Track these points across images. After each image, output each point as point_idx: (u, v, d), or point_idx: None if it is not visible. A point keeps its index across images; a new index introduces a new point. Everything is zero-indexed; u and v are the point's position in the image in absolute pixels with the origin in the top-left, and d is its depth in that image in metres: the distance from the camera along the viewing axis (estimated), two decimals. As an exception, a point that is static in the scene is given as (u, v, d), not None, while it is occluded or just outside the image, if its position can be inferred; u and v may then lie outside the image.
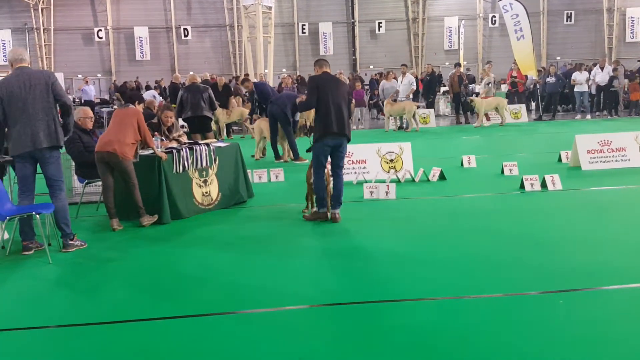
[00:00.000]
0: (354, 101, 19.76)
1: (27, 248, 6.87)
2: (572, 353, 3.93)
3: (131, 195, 7.84)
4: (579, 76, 22.15)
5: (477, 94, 22.01)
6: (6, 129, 6.69)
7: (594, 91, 22.68)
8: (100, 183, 8.21)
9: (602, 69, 22.62)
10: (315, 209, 8.05)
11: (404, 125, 20.25)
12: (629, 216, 7.62)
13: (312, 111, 8.19)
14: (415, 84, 20.79)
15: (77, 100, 26.50)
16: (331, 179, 7.91)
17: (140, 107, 8.39)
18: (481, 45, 39.05)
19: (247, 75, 28.73)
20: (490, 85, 21.27)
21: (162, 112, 9.53)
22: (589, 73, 22.80)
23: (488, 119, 20.81)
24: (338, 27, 38.78)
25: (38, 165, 6.78)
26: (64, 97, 6.74)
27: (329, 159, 7.87)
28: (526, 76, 23.54)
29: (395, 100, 19.84)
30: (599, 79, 22.28)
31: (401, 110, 19.63)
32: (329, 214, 7.83)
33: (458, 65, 23.55)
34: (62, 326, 4.78)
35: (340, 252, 6.51)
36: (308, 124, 13.55)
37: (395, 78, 21.21)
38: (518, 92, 23.43)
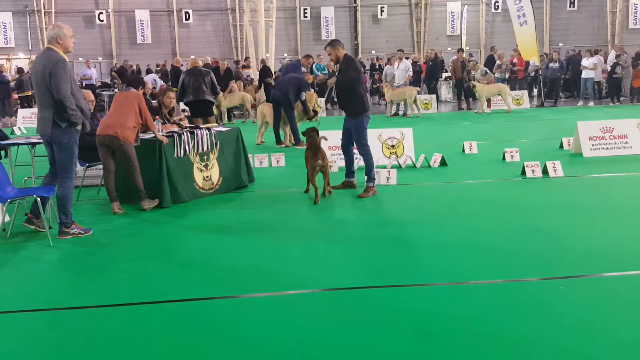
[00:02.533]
0: None
1: (29, 221, 6.88)
2: (572, 339, 3.94)
3: (132, 178, 7.83)
4: (586, 62, 22.06)
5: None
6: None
7: (598, 78, 22.68)
8: (101, 166, 8.20)
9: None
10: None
11: (402, 112, 20.21)
12: (630, 203, 7.60)
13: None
14: (411, 69, 20.70)
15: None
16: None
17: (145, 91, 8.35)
18: (484, 30, 38.80)
19: (247, 59, 28.64)
20: (487, 73, 21.20)
21: (164, 94, 9.49)
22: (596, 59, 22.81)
23: (489, 105, 20.74)
24: (340, 12, 38.54)
25: None
26: (59, 92, 6.32)
27: (346, 138, 8.76)
28: (528, 62, 23.45)
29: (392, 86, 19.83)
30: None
31: (402, 96, 19.58)
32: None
33: (460, 50, 23.44)
34: (62, 309, 4.79)
35: (341, 237, 6.51)
36: (310, 108, 13.53)
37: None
38: (517, 79, 23.33)
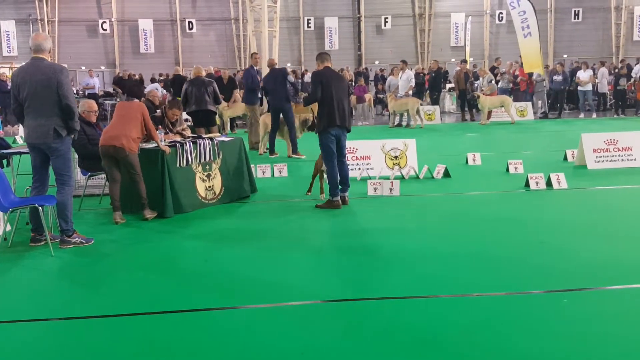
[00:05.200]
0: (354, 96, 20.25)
1: (34, 240, 6.82)
2: (575, 352, 3.90)
3: (135, 187, 7.80)
4: (582, 75, 22.05)
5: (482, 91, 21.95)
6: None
7: (604, 89, 22.76)
8: (103, 176, 8.16)
9: None
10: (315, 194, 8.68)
11: (405, 122, 20.20)
12: (634, 216, 7.56)
13: (315, 106, 8.38)
14: (414, 80, 20.70)
15: (80, 92, 26.44)
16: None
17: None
18: (487, 42, 38.86)
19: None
20: (492, 82, 21.16)
21: (171, 108, 9.45)
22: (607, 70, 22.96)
23: (489, 117, 20.65)
24: (344, 22, 38.62)
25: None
26: (68, 99, 6.41)
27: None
28: (531, 74, 23.41)
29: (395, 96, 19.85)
30: None
31: (404, 106, 19.57)
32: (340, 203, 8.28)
33: (464, 61, 23.41)
34: (62, 319, 4.75)
35: (344, 248, 6.47)
36: (310, 119, 13.50)
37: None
38: (518, 91, 23.25)
